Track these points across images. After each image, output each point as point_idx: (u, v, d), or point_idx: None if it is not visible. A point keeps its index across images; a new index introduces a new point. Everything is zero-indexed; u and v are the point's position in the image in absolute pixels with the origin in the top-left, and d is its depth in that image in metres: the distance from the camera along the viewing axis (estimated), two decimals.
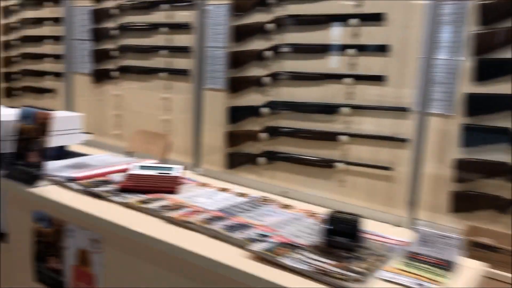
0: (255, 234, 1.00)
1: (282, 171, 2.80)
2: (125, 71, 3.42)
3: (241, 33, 2.89)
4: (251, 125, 2.90)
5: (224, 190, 1.30)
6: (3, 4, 4.10)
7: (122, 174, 1.38)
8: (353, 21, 2.41)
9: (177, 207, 1.13)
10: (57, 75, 3.84)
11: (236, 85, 2.95)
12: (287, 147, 2.75)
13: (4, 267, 1.37)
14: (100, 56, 3.52)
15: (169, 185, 1.27)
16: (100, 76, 3.55)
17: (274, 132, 2.80)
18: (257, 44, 2.83)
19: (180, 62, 3.18)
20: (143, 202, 1.16)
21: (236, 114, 2.95)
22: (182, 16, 3.12)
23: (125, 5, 3.33)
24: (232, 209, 1.13)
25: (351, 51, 2.44)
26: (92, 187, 1.25)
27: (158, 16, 3.24)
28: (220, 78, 2.98)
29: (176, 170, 1.38)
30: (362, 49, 2.41)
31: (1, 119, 1.35)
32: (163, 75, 3.19)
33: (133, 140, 2.94)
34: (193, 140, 3.03)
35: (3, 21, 4.13)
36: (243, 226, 1.03)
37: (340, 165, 2.51)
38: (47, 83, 3.93)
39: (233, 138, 2.98)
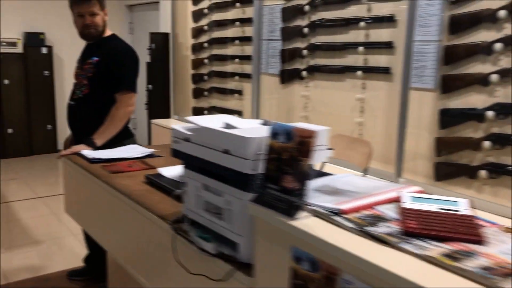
0: None
1: (509, 188, 2.26)
2: (315, 70, 3.16)
3: (459, 24, 2.40)
4: (469, 131, 2.41)
5: None
6: (195, 8, 4.17)
7: (391, 206, 1.07)
8: None
9: (507, 271, 0.78)
10: (243, 76, 3.77)
11: (451, 84, 2.47)
12: None
13: None
14: (289, 55, 3.32)
15: (469, 230, 0.92)
16: (288, 76, 3.36)
17: (501, 140, 2.27)
18: (481, 36, 2.32)
19: (378, 59, 2.80)
20: (450, 258, 0.83)
21: (450, 117, 2.47)
22: (383, 8, 2.73)
23: (318, 0, 3.06)
24: None
25: None
26: (367, 226, 0.96)
27: (351, 11, 2.91)
28: (429, 76, 2.53)
29: (463, 206, 1.02)
30: None
31: (251, 136, 1.13)
32: (359, 74, 2.86)
33: (332, 145, 2.66)
34: (396, 146, 2.64)
35: (194, 25, 4.21)
36: None
37: None
38: (233, 84, 3.89)
39: (445, 146, 2.51)
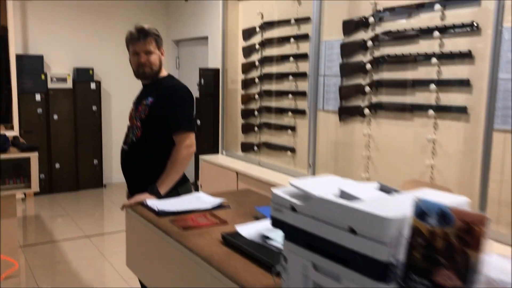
0: None
1: None
2: (379, 108, 2.92)
3: None
4: None
5: None
6: (245, 44, 4.02)
7: None
8: None
9: None
10: (296, 112, 3.56)
11: None
12: None
13: None
14: (349, 92, 3.10)
15: None
16: (348, 114, 3.12)
17: None
18: None
19: (452, 98, 2.54)
20: None
21: None
22: (457, 43, 2.49)
23: (383, 36, 2.84)
24: None
25: None
26: None
27: (417, 46, 2.66)
28: None
29: None
30: None
31: (390, 215, 0.88)
32: (430, 113, 2.59)
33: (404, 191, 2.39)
34: (478, 193, 2.34)
35: (244, 60, 4.06)
36: None
37: None
38: (286, 120, 3.68)
39: None
